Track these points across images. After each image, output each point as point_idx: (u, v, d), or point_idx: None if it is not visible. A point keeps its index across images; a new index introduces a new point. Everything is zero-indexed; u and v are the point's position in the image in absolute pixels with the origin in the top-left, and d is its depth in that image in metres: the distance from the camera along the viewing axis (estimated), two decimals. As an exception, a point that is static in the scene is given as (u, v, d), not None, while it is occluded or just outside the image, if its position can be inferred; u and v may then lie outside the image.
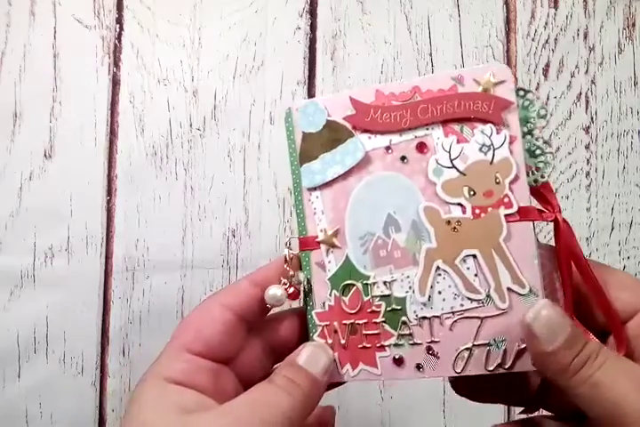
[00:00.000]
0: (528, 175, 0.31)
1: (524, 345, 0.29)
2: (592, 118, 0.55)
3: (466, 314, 0.31)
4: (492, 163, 0.30)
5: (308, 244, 0.33)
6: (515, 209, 0.30)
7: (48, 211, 0.53)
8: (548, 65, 0.55)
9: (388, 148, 0.32)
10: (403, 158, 0.32)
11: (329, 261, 0.33)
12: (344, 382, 0.33)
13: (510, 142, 0.30)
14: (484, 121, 0.31)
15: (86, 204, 0.54)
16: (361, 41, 0.55)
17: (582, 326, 0.30)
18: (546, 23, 0.55)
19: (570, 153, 0.55)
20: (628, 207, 0.54)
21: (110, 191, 0.54)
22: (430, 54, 0.55)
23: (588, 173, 0.55)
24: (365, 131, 0.32)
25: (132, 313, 0.53)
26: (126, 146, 0.54)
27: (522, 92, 0.31)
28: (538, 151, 0.32)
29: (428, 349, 0.31)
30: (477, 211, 0.31)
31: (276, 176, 0.54)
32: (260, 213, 0.54)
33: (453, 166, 0.31)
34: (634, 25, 0.56)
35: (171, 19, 0.55)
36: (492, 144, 0.31)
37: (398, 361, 0.31)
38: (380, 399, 0.53)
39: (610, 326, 0.30)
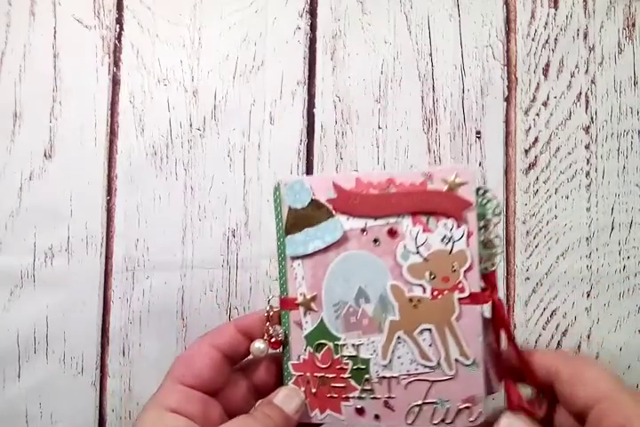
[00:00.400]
0: (480, 263, 0.36)
1: (464, 405, 0.36)
2: (592, 118, 0.55)
3: (419, 377, 0.37)
4: (450, 253, 0.36)
5: (288, 304, 0.38)
6: (466, 294, 0.36)
7: (48, 211, 0.53)
8: (547, 65, 0.55)
9: (363, 230, 0.37)
10: (375, 240, 0.37)
11: (306, 322, 0.38)
12: (320, 425, 0.38)
13: (468, 236, 0.36)
14: (448, 216, 0.36)
15: (86, 204, 0.54)
16: (361, 41, 0.55)
17: (513, 387, 0.36)
18: (546, 23, 0.55)
19: (570, 153, 0.55)
20: (628, 207, 0.55)
21: (110, 191, 0.54)
22: (430, 54, 0.55)
23: (587, 173, 0.55)
24: (344, 213, 0.37)
25: (131, 313, 0.53)
26: (126, 146, 0.54)
27: (481, 191, 0.37)
28: (490, 244, 0.37)
29: (386, 403, 0.37)
30: (435, 292, 0.36)
31: (276, 176, 0.54)
32: (260, 213, 0.54)
33: (418, 253, 0.37)
34: (634, 25, 0.56)
35: (171, 19, 0.55)
36: (453, 237, 0.36)
37: (360, 411, 0.37)
38: (380, 399, 0.53)
39: (537, 387, 0.36)
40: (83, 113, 0.54)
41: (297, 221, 0.38)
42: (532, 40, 0.55)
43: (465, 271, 0.36)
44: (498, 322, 0.37)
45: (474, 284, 0.36)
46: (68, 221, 0.53)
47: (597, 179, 0.55)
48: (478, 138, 0.55)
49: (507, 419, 0.35)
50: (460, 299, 0.36)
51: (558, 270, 0.54)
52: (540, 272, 0.54)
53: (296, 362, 0.38)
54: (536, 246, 0.54)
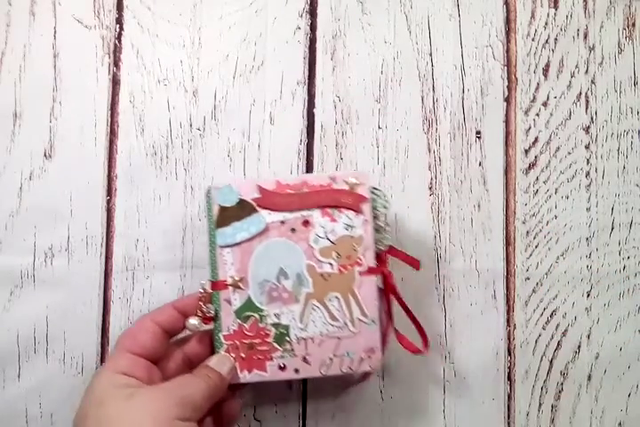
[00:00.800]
0: (375, 245, 0.46)
1: (365, 355, 0.46)
2: (592, 118, 0.55)
3: (330, 335, 0.46)
4: (352, 237, 0.46)
5: (218, 286, 0.46)
6: (365, 268, 0.46)
7: (48, 211, 0.53)
8: (547, 65, 0.55)
9: (282, 222, 0.46)
10: (292, 229, 0.46)
11: (234, 299, 0.46)
12: (246, 384, 0.46)
13: (364, 224, 0.46)
14: (349, 209, 0.46)
15: (86, 204, 0.54)
16: (361, 41, 0.55)
17: (402, 336, 0.49)
18: (546, 23, 0.55)
19: (570, 153, 0.55)
20: (627, 207, 0.55)
21: (110, 191, 0.54)
22: (430, 54, 0.55)
23: (587, 173, 0.55)
24: (266, 208, 0.46)
25: (131, 313, 0.53)
26: (126, 146, 0.54)
27: (374, 190, 0.47)
28: (381, 230, 0.47)
29: (304, 358, 0.46)
30: (341, 268, 0.46)
31: (275, 176, 0.54)
32: (260, 213, 0.54)
33: (327, 238, 0.46)
34: (634, 25, 0.56)
35: (171, 19, 0.55)
36: (353, 224, 0.46)
37: (282, 367, 0.46)
38: (380, 399, 0.53)
39: (419, 334, 0.49)
40: (83, 113, 0.54)
41: (226, 216, 0.47)
42: (532, 40, 0.55)
43: (363, 251, 0.46)
44: (388, 289, 0.48)
45: (370, 260, 0.46)
46: (68, 221, 0.54)
47: (597, 179, 0.55)
48: (478, 138, 0.55)
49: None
50: (359, 272, 0.46)
51: (558, 270, 0.54)
52: (540, 272, 0.54)
53: (226, 333, 0.46)
54: (536, 246, 0.54)
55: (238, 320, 0.46)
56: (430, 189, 0.55)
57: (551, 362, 0.54)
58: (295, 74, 0.55)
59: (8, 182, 0.54)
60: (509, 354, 0.54)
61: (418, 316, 0.54)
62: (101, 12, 0.55)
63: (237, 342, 0.46)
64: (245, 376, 0.46)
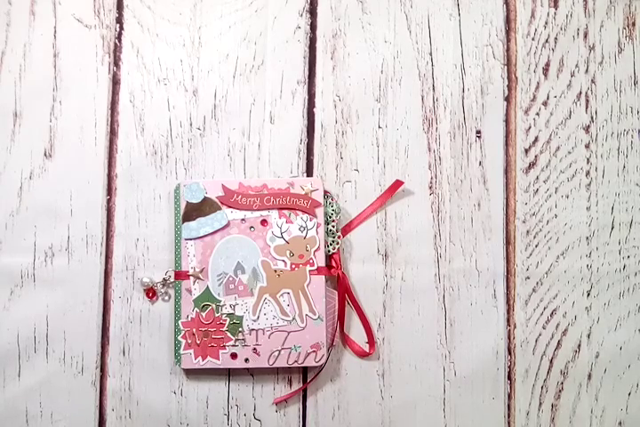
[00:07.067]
0: (326, 247, 0.52)
1: (311, 350, 0.50)
2: (592, 118, 0.55)
3: (279, 329, 0.51)
4: (305, 238, 0.51)
5: (181, 275, 0.51)
6: (315, 267, 0.51)
7: (48, 210, 0.53)
8: (548, 64, 0.55)
9: (242, 219, 0.51)
10: (251, 227, 0.51)
11: (194, 289, 0.51)
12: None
13: (317, 227, 0.51)
14: (304, 212, 0.51)
15: (86, 203, 0.54)
16: (361, 40, 0.55)
17: (349, 337, 0.52)
18: (546, 22, 0.55)
19: (570, 152, 0.55)
20: (628, 206, 0.55)
21: (110, 190, 0.54)
22: (430, 54, 0.55)
23: (588, 173, 0.55)
24: (229, 207, 0.51)
25: (132, 313, 0.53)
26: (126, 145, 0.54)
27: (327, 196, 0.52)
28: (331, 233, 0.52)
29: (254, 349, 0.50)
30: (293, 266, 0.51)
31: (275, 176, 0.54)
32: (261, 213, 0.54)
33: (282, 237, 0.51)
34: (634, 24, 0.56)
35: (171, 18, 0.55)
36: (307, 226, 0.51)
37: (233, 356, 0.50)
38: (381, 399, 0.53)
39: (366, 334, 0.52)
40: (83, 113, 0.54)
41: (192, 212, 0.51)
42: (532, 39, 0.55)
43: (314, 251, 0.51)
44: (341, 289, 0.52)
45: (320, 260, 0.51)
46: (68, 221, 0.53)
47: (597, 178, 0.55)
48: (478, 137, 0.55)
49: None
50: (310, 271, 0.51)
51: (558, 270, 0.54)
52: (541, 271, 0.54)
53: (185, 320, 0.51)
54: (536, 246, 0.54)
55: (196, 309, 0.50)
56: (430, 188, 0.55)
57: (551, 361, 0.54)
58: (295, 73, 0.55)
59: (8, 182, 0.54)
60: (509, 353, 0.54)
61: (417, 315, 0.54)
62: (101, 11, 0.55)
63: (194, 330, 0.50)
64: (200, 363, 0.50)
